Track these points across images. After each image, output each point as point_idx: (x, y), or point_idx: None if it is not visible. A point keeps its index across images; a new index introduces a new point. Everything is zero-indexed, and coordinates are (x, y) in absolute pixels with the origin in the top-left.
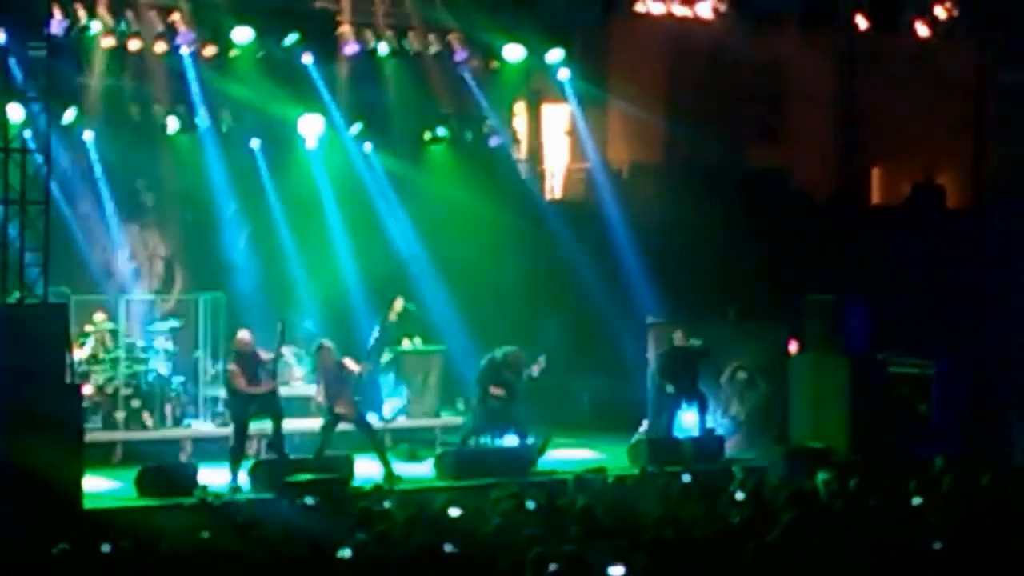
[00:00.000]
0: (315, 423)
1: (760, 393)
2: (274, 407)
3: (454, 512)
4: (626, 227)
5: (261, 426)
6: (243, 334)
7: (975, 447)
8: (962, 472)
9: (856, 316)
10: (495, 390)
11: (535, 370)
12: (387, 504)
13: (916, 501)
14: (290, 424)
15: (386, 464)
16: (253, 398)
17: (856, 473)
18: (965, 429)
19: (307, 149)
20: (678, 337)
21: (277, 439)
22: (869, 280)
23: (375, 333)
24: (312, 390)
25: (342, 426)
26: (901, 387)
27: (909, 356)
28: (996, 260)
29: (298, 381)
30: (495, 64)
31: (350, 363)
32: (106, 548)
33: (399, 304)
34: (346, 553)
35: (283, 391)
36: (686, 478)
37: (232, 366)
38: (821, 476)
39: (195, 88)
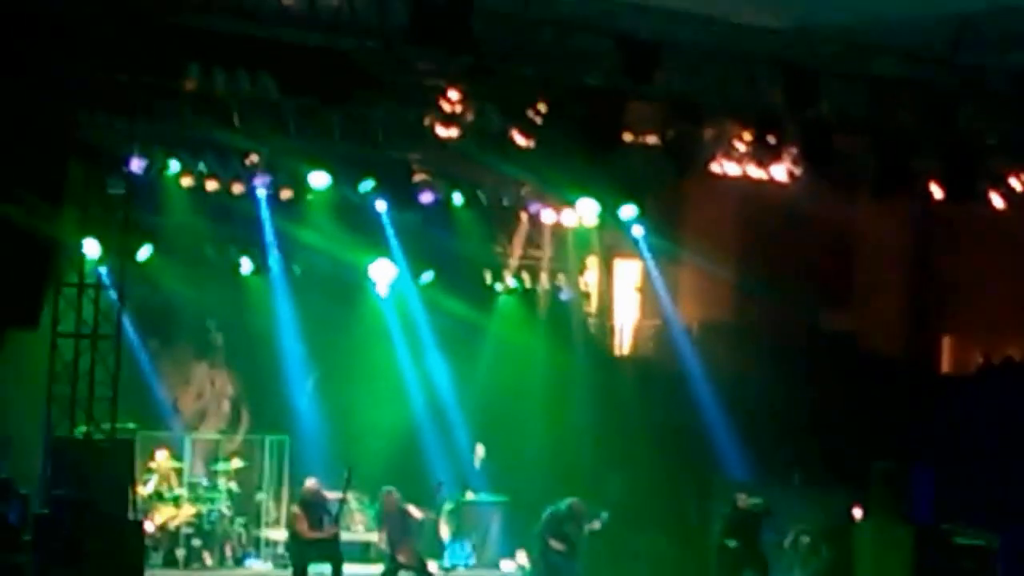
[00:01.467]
0: (375, 569)
1: (823, 559)
2: (334, 552)
3: None
4: (695, 386)
5: (321, 570)
6: (311, 482)
7: None
8: None
9: (921, 484)
10: (555, 544)
11: (596, 525)
12: None
13: None
14: (351, 569)
15: None
16: (314, 543)
17: None
18: None
19: (377, 295)
20: (741, 499)
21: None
22: (936, 449)
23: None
24: (374, 536)
25: (402, 573)
26: (966, 559)
27: (974, 527)
28: None
29: (360, 526)
30: (568, 218)
31: (414, 510)
32: None
33: (481, 450)
34: None
35: (345, 536)
36: None
37: (296, 510)
38: None
39: (269, 230)
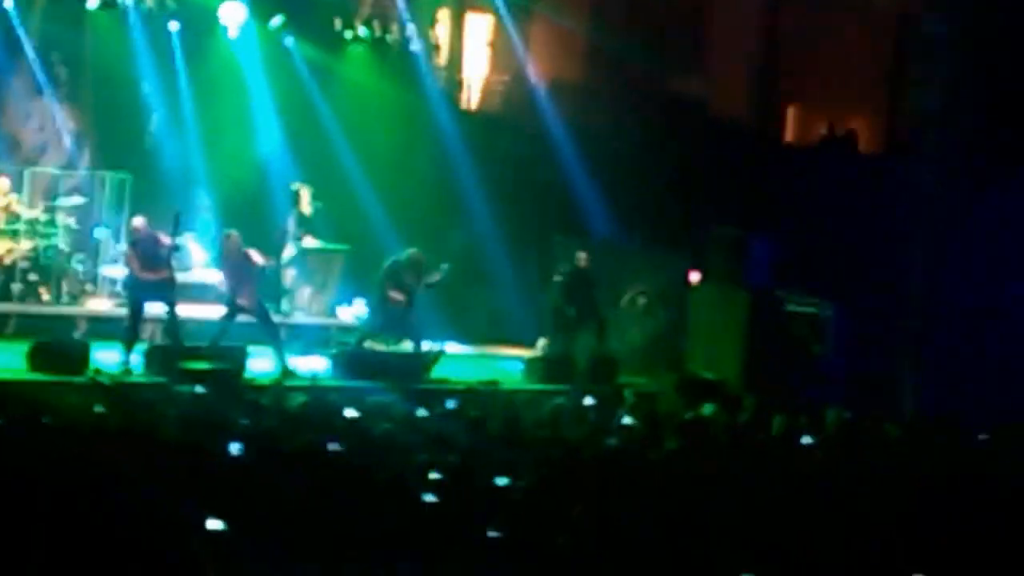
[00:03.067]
0: (212, 311)
1: (659, 320)
2: (169, 292)
3: (350, 413)
4: (541, 142)
5: (157, 310)
6: (138, 220)
7: (865, 392)
8: (850, 416)
9: (759, 251)
10: (395, 294)
11: (436, 277)
12: (277, 399)
13: (805, 440)
14: (188, 310)
15: (281, 359)
16: (149, 283)
17: (745, 407)
18: (856, 373)
19: (228, 37)
20: (582, 259)
21: (172, 325)
22: (775, 217)
23: (288, 226)
24: (211, 276)
25: (241, 317)
26: (798, 325)
27: (808, 295)
28: (901, 208)
29: (199, 267)
30: None
31: (256, 255)
32: None
33: (306, 194)
34: (235, 448)
35: (183, 277)
36: (587, 400)
37: (128, 250)
38: (708, 407)
39: None
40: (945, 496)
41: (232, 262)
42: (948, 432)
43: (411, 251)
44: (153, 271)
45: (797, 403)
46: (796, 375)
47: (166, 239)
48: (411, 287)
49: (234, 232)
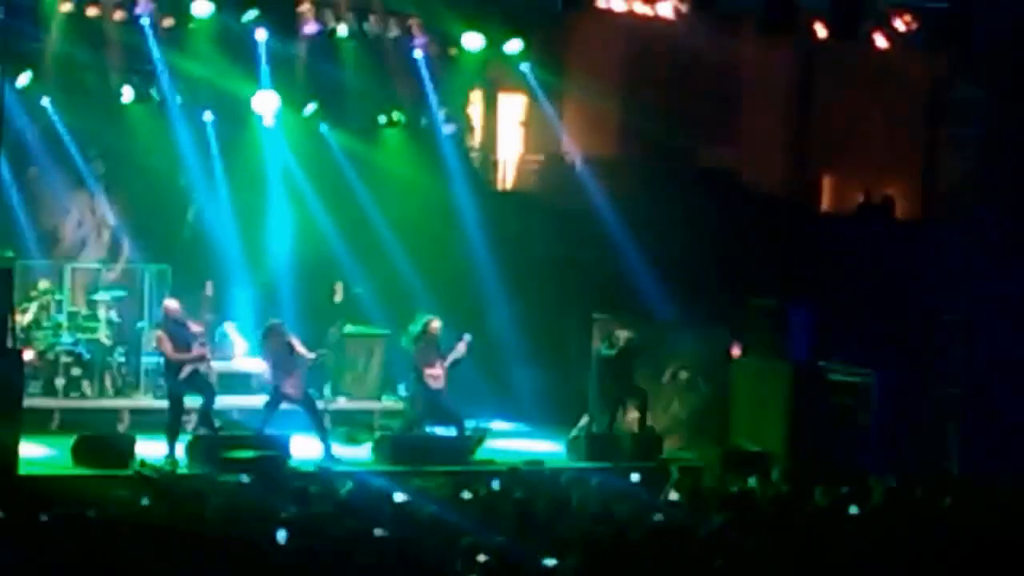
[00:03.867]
0: (255, 400)
1: (701, 395)
2: (203, 379)
3: (398, 497)
4: (577, 220)
5: (197, 401)
6: (170, 302)
7: (912, 458)
8: (897, 482)
9: (799, 322)
10: (430, 371)
11: (461, 348)
12: (323, 485)
13: (852, 510)
14: (230, 400)
15: (326, 445)
16: (184, 368)
17: (792, 479)
18: (903, 440)
19: (261, 126)
20: (622, 335)
21: (206, 413)
22: (814, 287)
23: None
24: (253, 365)
25: (286, 405)
26: (841, 395)
27: (850, 365)
28: (939, 273)
29: (240, 357)
30: (453, 52)
31: (300, 347)
32: (43, 517)
33: (339, 288)
34: (281, 536)
35: (224, 366)
36: (633, 477)
37: (159, 332)
38: (753, 480)
39: (152, 59)
40: (997, 558)
41: (276, 351)
42: (997, 495)
43: (425, 316)
44: (186, 351)
45: (843, 473)
46: (841, 445)
47: (197, 326)
48: (434, 354)
49: (278, 322)
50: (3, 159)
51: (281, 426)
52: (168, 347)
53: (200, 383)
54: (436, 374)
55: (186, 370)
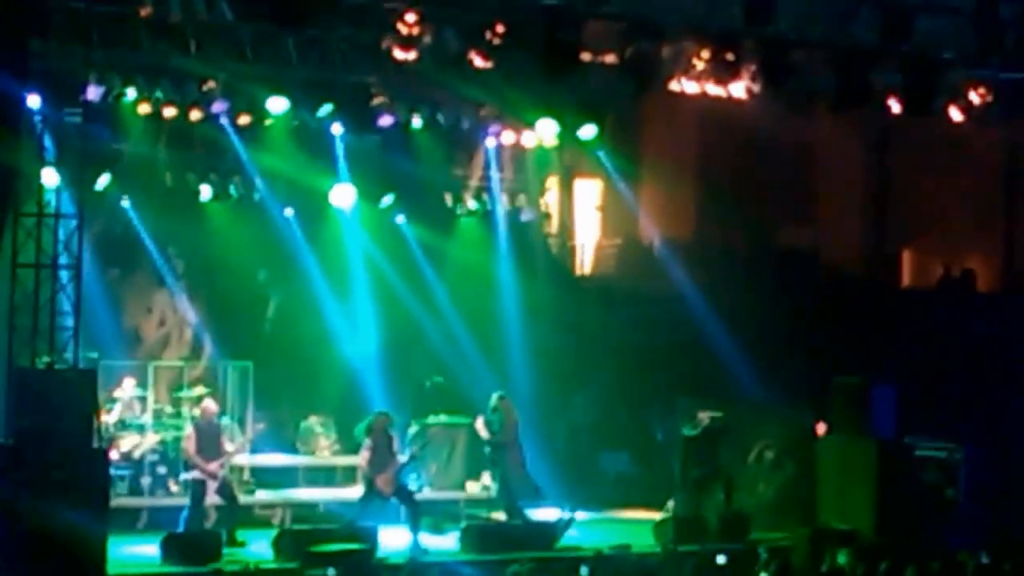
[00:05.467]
0: (338, 492)
1: (787, 474)
2: (227, 488)
3: None
4: (656, 303)
5: (284, 495)
6: (208, 403)
7: (1002, 533)
8: (989, 558)
9: (883, 399)
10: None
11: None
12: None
13: None
14: (315, 493)
15: (415, 536)
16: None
17: (882, 556)
18: (992, 516)
19: (340, 219)
20: (705, 418)
21: (229, 516)
22: (898, 363)
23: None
24: (339, 460)
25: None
26: (929, 471)
27: (937, 440)
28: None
29: (324, 451)
30: (528, 139)
31: (397, 447)
32: None
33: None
34: None
35: (308, 461)
36: (720, 559)
37: (189, 430)
38: (843, 556)
39: (229, 157)
40: None
41: (378, 442)
42: None
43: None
44: (206, 460)
45: (933, 550)
46: (930, 521)
47: (232, 447)
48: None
49: (385, 413)
50: (85, 261)
51: (372, 518)
52: (191, 447)
53: (223, 487)
54: (516, 459)
55: (194, 474)
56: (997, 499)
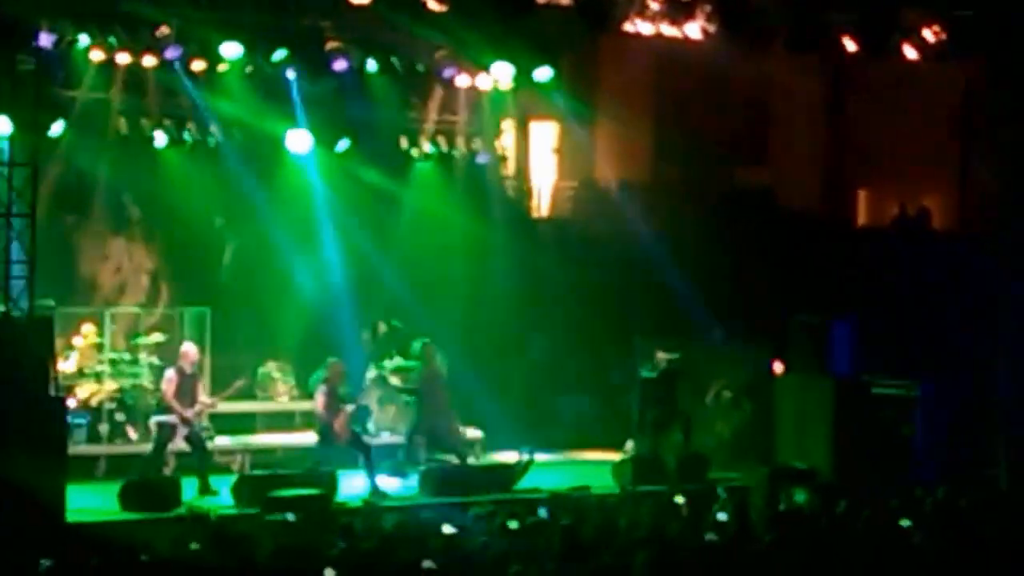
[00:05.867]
0: (297, 437)
1: (745, 413)
2: (197, 436)
3: (447, 530)
4: (613, 245)
5: (243, 441)
6: (189, 348)
7: (959, 470)
8: (945, 495)
9: (841, 337)
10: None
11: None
12: (370, 520)
13: (904, 523)
14: (274, 438)
15: (372, 480)
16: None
17: (839, 494)
18: (948, 452)
19: (296, 164)
20: (663, 358)
21: (203, 467)
22: (854, 301)
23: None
24: (296, 405)
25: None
26: (885, 409)
27: (894, 378)
28: (981, 282)
29: (283, 396)
30: (483, 81)
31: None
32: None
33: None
34: (329, 574)
35: (267, 406)
36: (679, 499)
37: (170, 373)
38: (801, 494)
39: (183, 103)
40: None
41: (332, 389)
42: None
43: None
44: (182, 404)
45: (891, 488)
46: (888, 459)
47: (208, 400)
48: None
49: (337, 361)
50: (40, 209)
51: (331, 463)
52: (171, 389)
53: (193, 435)
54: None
55: (165, 417)
56: (953, 435)
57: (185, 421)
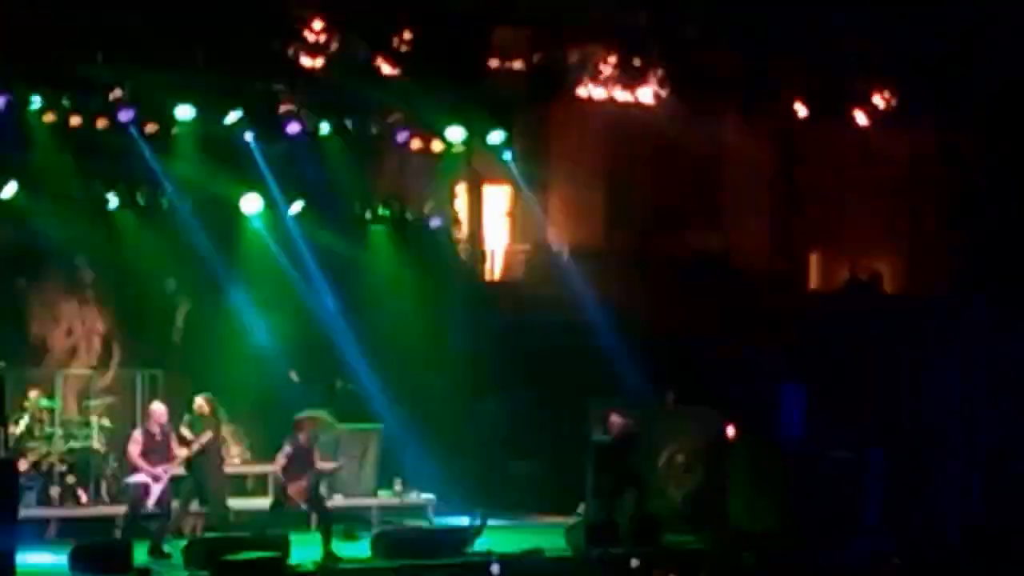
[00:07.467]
0: (251, 502)
1: (697, 477)
2: (165, 497)
3: None
4: (566, 308)
5: (194, 504)
6: (156, 406)
7: (910, 533)
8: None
9: (791, 401)
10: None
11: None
12: None
13: None
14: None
15: (327, 543)
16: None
17: (788, 557)
18: (898, 515)
19: (250, 226)
20: (616, 422)
21: (161, 529)
22: (805, 365)
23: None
24: (249, 469)
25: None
26: (835, 473)
27: (842, 442)
28: (929, 346)
29: (236, 459)
30: (436, 145)
31: (320, 459)
32: None
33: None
34: None
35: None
36: (634, 562)
37: (136, 433)
38: (749, 558)
39: (137, 165)
40: None
41: (299, 448)
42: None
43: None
44: (149, 463)
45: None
46: (836, 521)
47: (181, 449)
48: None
49: (314, 418)
50: None
51: (283, 526)
52: (136, 449)
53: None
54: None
55: (135, 477)
56: (903, 499)
57: (155, 477)
